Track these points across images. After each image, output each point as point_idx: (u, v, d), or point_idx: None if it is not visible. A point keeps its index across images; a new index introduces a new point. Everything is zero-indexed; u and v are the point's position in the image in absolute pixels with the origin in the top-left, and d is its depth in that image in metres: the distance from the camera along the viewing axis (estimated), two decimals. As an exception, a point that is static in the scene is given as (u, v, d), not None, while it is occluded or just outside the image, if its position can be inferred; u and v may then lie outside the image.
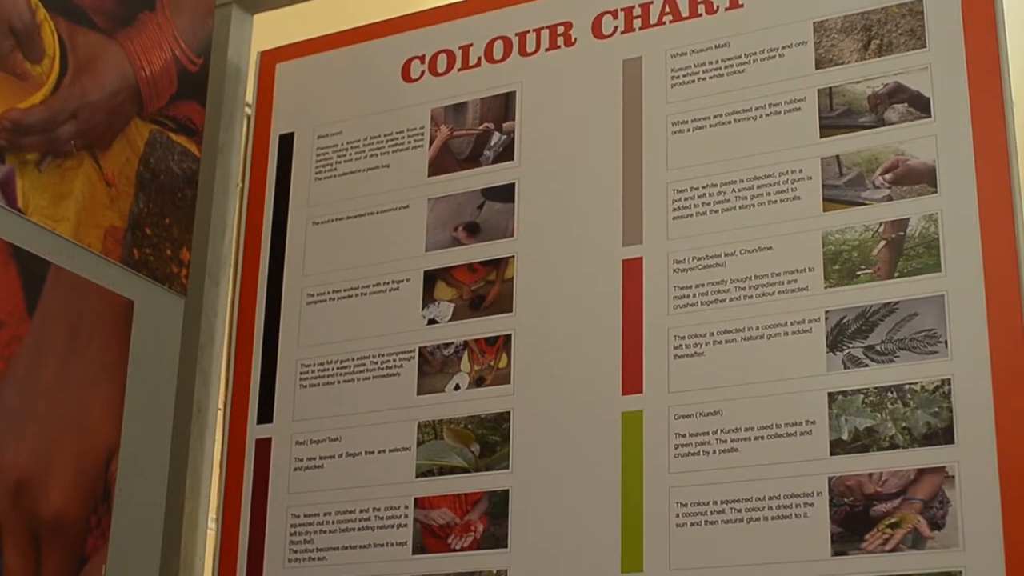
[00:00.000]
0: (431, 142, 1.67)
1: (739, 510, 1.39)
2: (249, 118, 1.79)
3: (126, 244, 1.62)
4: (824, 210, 1.44)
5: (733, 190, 1.49)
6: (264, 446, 1.65)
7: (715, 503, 1.40)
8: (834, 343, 1.40)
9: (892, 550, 1.33)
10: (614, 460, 1.46)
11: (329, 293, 1.66)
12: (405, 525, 1.54)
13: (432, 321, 1.60)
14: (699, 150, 1.52)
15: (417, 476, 1.55)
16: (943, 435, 1.34)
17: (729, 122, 1.51)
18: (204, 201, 1.75)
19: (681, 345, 1.46)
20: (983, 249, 1.37)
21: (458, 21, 1.70)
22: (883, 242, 1.41)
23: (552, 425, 1.50)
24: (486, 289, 1.58)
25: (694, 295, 1.47)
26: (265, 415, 1.66)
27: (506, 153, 1.62)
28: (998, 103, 1.40)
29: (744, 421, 1.41)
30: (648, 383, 1.47)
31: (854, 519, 1.35)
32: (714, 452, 1.42)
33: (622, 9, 1.60)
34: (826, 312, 1.41)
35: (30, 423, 1.48)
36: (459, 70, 1.68)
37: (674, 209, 1.51)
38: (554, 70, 1.62)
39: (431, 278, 1.61)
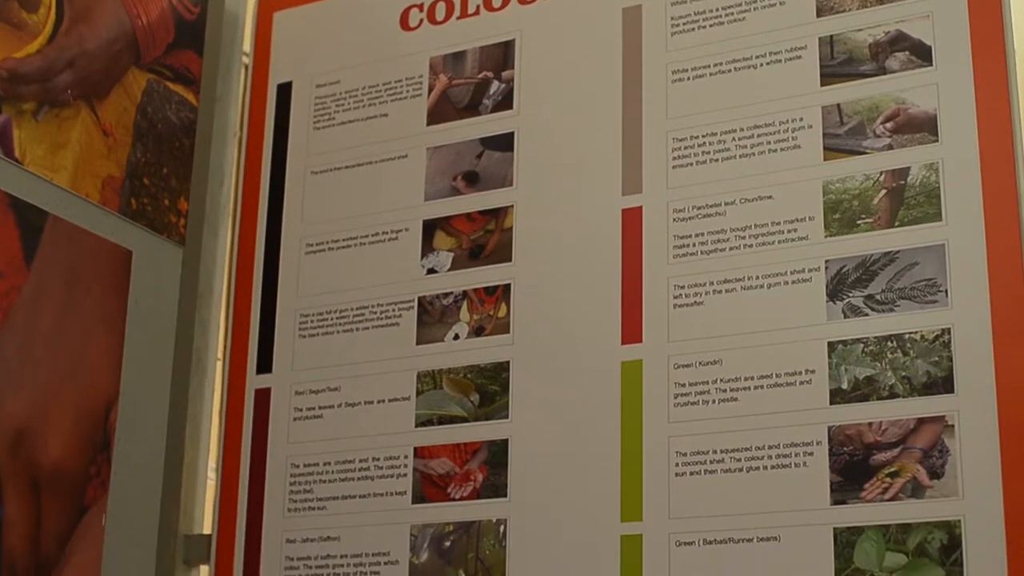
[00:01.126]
0: (430, 91, 1.66)
1: (739, 459, 1.39)
2: (247, 67, 1.78)
3: (124, 194, 1.62)
4: (825, 159, 1.44)
5: (733, 139, 1.48)
6: (263, 396, 1.65)
7: (714, 452, 1.40)
8: (834, 292, 1.40)
9: (891, 499, 1.33)
10: (613, 409, 1.46)
11: (328, 243, 1.66)
12: (405, 475, 1.54)
13: (431, 271, 1.59)
14: (699, 99, 1.51)
15: (416, 426, 1.55)
16: (943, 384, 1.34)
17: (729, 70, 1.51)
18: (202, 151, 1.75)
19: (681, 294, 1.46)
20: (984, 198, 1.36)
21: (457, -31, 1.69)
22: (884, 191, 1.41)
23: (551, 374, 1.50)
24: (485, 238, 1.57)
25: (694, 244, 1.47)
26: (264, 365, 1.66)
27: (505, 102, 1.61)
28: (1000, 51, 1.39)
29: (744, 370, 1.41)
30: (648, 332, 1.46)
31: (853, 468, 1.35)
32: (714, 401, 1.42)
33: (622, -44, 1.59)
34: (826, 261, 1.41)
35: (29, 373, 1.48)
36: (458, 18, 1.67)
37: (674, 158, 1.50)
38: (553, 18, 1.61)
39: (430, 228, 1.61)
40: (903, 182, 1.40)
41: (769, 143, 1.46)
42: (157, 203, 1.66)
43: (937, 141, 1.40)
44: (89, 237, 1.56)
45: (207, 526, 1.66)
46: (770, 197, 1.45)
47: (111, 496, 1.56)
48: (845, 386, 1.37)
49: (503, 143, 1.60)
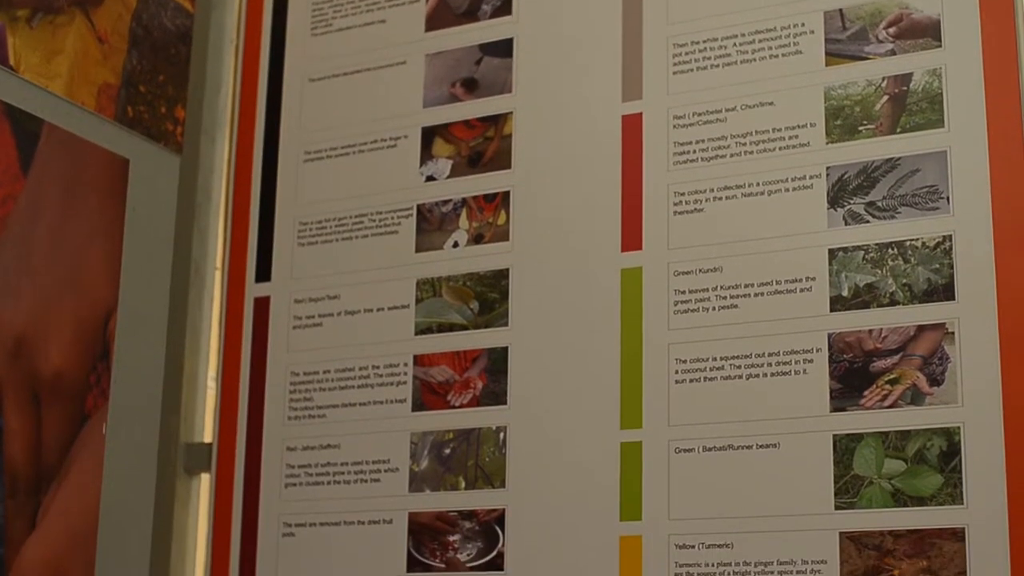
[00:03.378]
0: (428, -4, 1.65)
1: (738, 366, 1.39)
2: (243, -27, 1.77)
3: (120, 101, 1.61)
4: (826, 65, 1.43)
5: (734, 44, 1.47)
6: (263, 304, 1.65)
7: (714, 359, 1.41)
8: (835, 199, 1.39)
9: (891, 406, 1.33)
10: (613, 317, 1.46)
11: (326, 151, 1.65)
12: (404, 382, 1.55)
13: (430, 178, 1.59)
14: (700, 4, 1.49)
15: (416, 334, 1.55)
16: (943, 291, 1.33)
17: (731, -25, 1.49)
18: (198, 58, 1.73)
19: (681, 201, 1.46)
20: (987, 105, 1.35)
21: None
22: (886, 97, 1.40)
23: (551, 282, 1.50)
24: (484, 146, 1.57)
25: (694, 151, 1.46)
26: (263, 273, 1.65)
27: (504, 7, 1.60)
28: (1004, -46, 1.37)
29: (744, 277, 1.41)
30: (648, 240, 1.46)
31: (853, 375, 1.35)
32: (714, 308, 1.42)
33: None
34: (827, 168, 1.40)
35: (27, 282, 1.48)
36: (456, -78, 1.65)
37: (674, 64, 1.49)
38: (553, -78, 1.59)
39: (429, 135, 1.60)
40: (905, 88, 1.39)
41: (770, 49, 1.45)
42: (153, 110, 1.65)
43: (940, 47, 1.39)
44: (85, 145, 1.56)
45: (208, 434, 1.67)
46: (771, 103, 1.44)
47: (111, 405, 1.56)
48: (845, 293, 1.37)
49: (502, 49, 1.58)
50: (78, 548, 1.51)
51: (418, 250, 1.57)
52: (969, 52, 1.37)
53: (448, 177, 1.58)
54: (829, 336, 1.37)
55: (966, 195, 1.34)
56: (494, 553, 1.47)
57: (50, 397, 1.49)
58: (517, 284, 1.51)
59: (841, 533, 1.33)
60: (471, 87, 1.59)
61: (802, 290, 1.38)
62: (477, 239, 1.55)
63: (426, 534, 1.50)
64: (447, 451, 1.51)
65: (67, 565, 1.49)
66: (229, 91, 1.74)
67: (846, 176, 1.39)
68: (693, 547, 1.38)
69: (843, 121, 1.40)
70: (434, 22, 1.63)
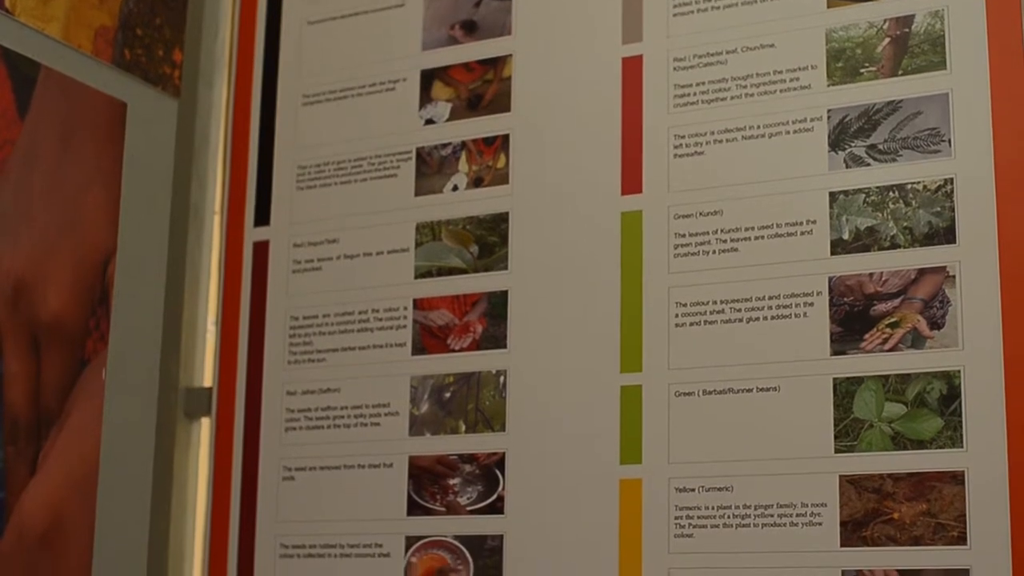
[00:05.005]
0: (427, -62, 1.63)
1: (739, 310, 1.39)
2: (240, -86, 1.75)
3: (117, 44, 1.60)
4: (828, 6, 1.42)
5: (735, -14, 1.46)
6: (262, 249, 1.64)
7: (715, 303, 1.40)
8: (836, 142, 1.38)
9: (891, 349, 1.33)
10: (613, 260, 1.45)
11: (325, 94, 1.65)
12: (404, 326, 1.55)
13: (429, 121, 1.58)
14: (701, -55, 1.49)
15: (416, 277, 1.55)
16: (944, 235, 1.33)
17: (732, -85, 1.48)
18: (196, 0, 1.72)
19: (681, 144, 1.45)
20: (989, 47, 1.34)
21: None
22: (888, 39, 1.39)
23: (551, 226, 1.49)
24: (484, 88, 1.56)
25: (695, 93, 1.45)
26: (262, 218, 1.65)
27: (503, -51, 1.59)
28: None
29: (744, 221, 1.41)
30: (648, 183, 1.46)
31: (854, 319, 1.35)
32: (714, 252, 1.41)
33: None
34: (828, 110, 1.40)
35: (25, 226, 1.47)
36: None
37: (675, 5, 1.48)
38: None
39: (428, 77, 1.59)
40: (907, 30, 1.38)
41: (772, -10, 1.44)
42: (151, 54, 1.64)
43: (943, -13, 1.38)
44: (83, 89, 1.55)
45: (207, 379, 1.67)
46: (772, 45, 1.43)
47: (111, 350, 1.56)
48: (846, 236, 1.36)
49: (501, -9, 1.58)
50: (79, 493, 1.51)
51: (417, 194, 1.57)
52: (972, -8, 1.36)
53: (447, 120, 1.57)
54: (830, 279, 1.36)
55: (968, 138, 1.34)
56: (494, 496, 1.47)
57: (49, 342, 1.49)
58: (517, 227, 1.51)
59: (841, 476, 1.33)
60: (470, 29, 1.58)
61: (803, 233, 1.38)
62: (477, 182, 1.54)
63: (426, 478, 1.51)
64: (447, 395, 1.51)
65: (68, 510, 1.49)
66: (227, 34, 1.73)
67: (847, 119, 1.38)
68: (693, 490, 1.38)
69: (844, 63, 1.40)
70: (433, -36, 1.62)
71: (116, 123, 1.59)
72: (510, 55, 1.55)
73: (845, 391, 1.34)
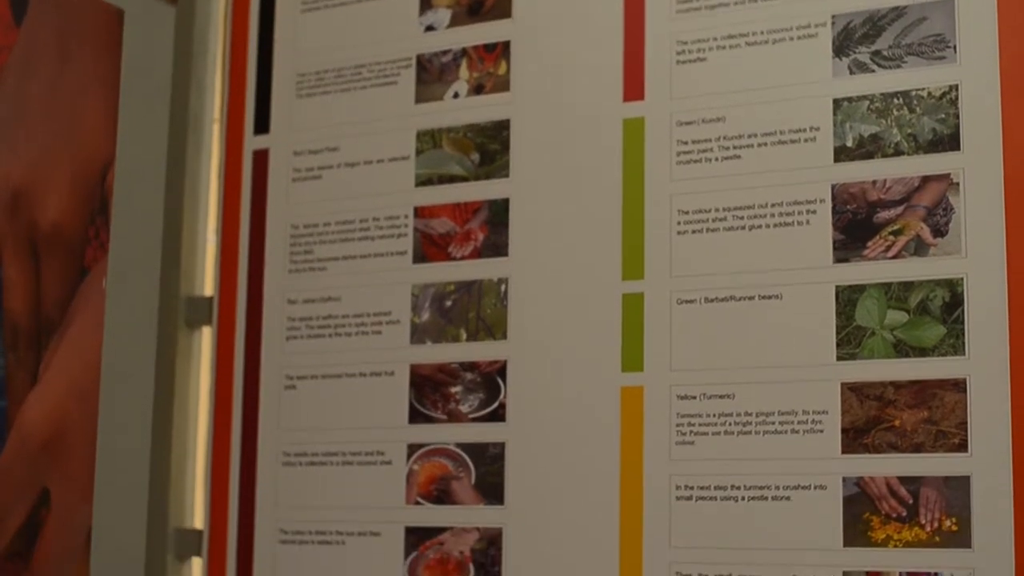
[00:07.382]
0: None
1: (741, 217, 1.39)
2: None
3: (114, -50, 1.58)
4: (833, -90, 1.40)
5: None
6: (262, 157, 1.64)
7: (717, 210, 1.40)
8: (840, 48, 1.37)
9: (894, 257, 1.33)
10: (615, 167, 1.45)
11: (324, 0, 1.63)
12: (405, 234, 1.54)
13: (429, 28, 1.57)
14: None
15: (416, 185, 1.55)
16: (949, 142, 1.32)
17: None
18: (193, -95, 1.71)
19: (684, 50, 1.44)
20: (995, -49, 1.33)
21: None
22: (893, -57, 1.37)
23: (552, 132, 1.48)
24: (484, -6, 1.55)
25: (698, -1, 1.44)
26: (262, 126, 1.64)
27: None
28: None
29: (747, 128, 1.40)
30: (650, 89, 1.45)
31: (856, 226, 1.34)
32: (716, 159, 1.41)
33: None
34: (832, 16, 1.38)
35: (23, 134, 1.46)
36: None
37: (678, -91, 1.47)
38: None
39: (428, -17, 1.58)
40: (913, -66, 1.37)
41: None
42: (148, -40, 1.63)
43: None
44: (79, -5, 1.54)
45: (208, 287, 1.67)
46: (776, -50, 1.42)
47: (111, 258, 1.56)
48: (850, 144, 1.36)
49: None
50: (80, 402, 1.51)
51: (418, 101, 1.56)
52: None
53: (448, 27, 1.56)
54: (833, 187, 1.36)
55: (973, 45, 1.33)
56: (496, 404, 1.48)
57: (49, 250, 1.49)
58: (518, 135, 1.50)
59: (842, 383, 1.33)
60: (471, -66, 1.57)
61: (806, 140, 1.37)
62: (477, 89, 1.53)
63: (428, 386, 1.51)
64: (448, 303, 1.51)
65: (70, 419, 1.50)
66: (224, -60, 1.72)
67: (852, 25, 1.37)
68: (694, 398, 1.38)
69: (849, -32, 1.38)
70: None
71: (113, 30, 1.57)
72: (511, -40, 1.54)
73: (847, 299, 1.33)
